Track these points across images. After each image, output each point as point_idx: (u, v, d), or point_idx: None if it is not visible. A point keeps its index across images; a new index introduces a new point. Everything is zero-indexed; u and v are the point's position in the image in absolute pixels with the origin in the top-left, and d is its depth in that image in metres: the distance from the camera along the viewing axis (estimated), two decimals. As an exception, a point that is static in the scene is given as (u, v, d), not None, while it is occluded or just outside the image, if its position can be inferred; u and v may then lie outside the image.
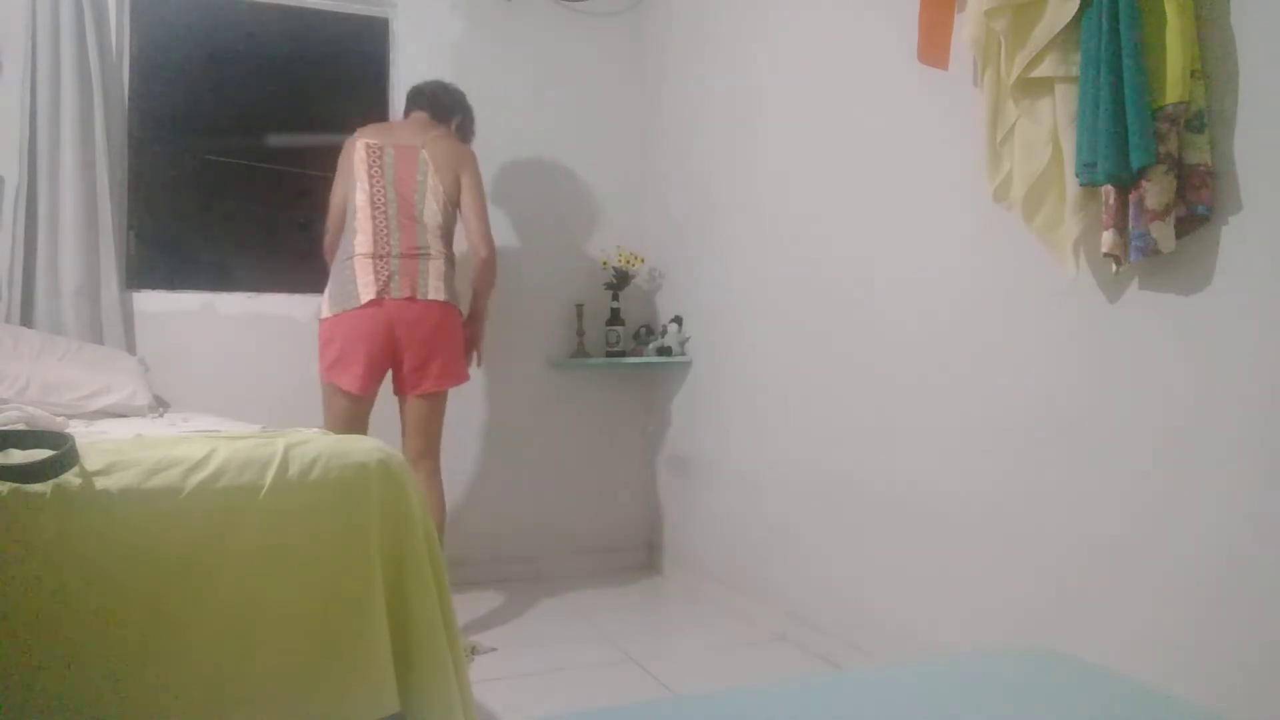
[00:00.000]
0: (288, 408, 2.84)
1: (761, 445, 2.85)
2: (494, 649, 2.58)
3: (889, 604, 2.23)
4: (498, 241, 3.49)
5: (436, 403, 2.72)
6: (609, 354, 3.46)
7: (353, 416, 2.65)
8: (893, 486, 2.22)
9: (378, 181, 2.66)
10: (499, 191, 3.51)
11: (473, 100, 3.45)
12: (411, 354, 2.62)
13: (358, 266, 2.60)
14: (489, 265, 2.75)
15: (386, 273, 2.59)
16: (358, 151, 2.70)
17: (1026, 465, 1.83)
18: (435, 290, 2.62)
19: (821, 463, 2.53)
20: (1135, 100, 1.42)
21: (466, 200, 2.72)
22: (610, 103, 3.71)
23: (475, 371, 3.43)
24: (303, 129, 3.34)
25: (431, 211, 2.68)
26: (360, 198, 2.65)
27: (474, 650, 2.49)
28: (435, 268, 2.64)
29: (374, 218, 2.63)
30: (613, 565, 3.59)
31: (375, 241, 2.62)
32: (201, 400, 2.86)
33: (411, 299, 2.59)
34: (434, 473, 2.70)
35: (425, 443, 2.70)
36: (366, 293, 2.57)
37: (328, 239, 2.82)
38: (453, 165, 2.73)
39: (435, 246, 2.66)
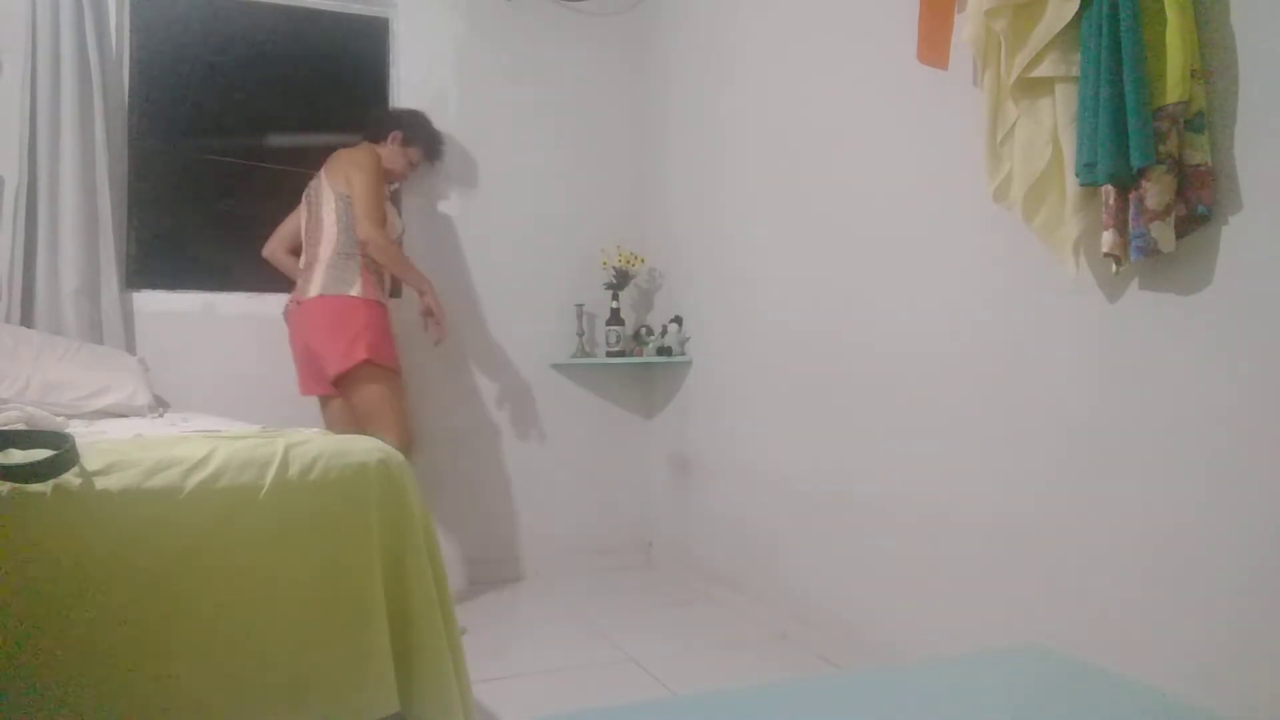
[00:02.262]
0: (288, 408, 2.85)
1: (761, 445, 2.85)
2: (464, 630, 2.62)
3: (889, 604, 2.23)
4: (498, 241, 3.52)
5: (349, 392, 2.74)
6: (609, 354, 3.46)
7: (325, 421, 2.88)
8: (892, 486, 2.22)
9: (305, 213, 2.93)
10: (499, 192, 3.51)
11: (472, 100, 3.47)
12: (313, 350, 2.76)
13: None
14: (373, 245, 2.77)
15: (298, 287, 2.85)
16: (306, 191, 2.97)
17: (1024, 466, 1.83)
18: (316, 287, 2.75)
19: (822, 463, 2.53)
20: (1135, 100, 1.42)
21: (354, 195, 2.80)
22: (611, 102, 3.71)
23: (476, 371, 3.46)
24: (303, 129, 3.34)
25: (329, 217, 2.83)
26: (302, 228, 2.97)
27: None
28: (322, 268, 2.77)
29: (305, 241, 2.90)
30: (612, 565, 3.59)
31: (305, 261, 2.87)
32: (201, 400, 2.86)
33: (299, 302, 2.80)
34: None
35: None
36: (287, 307, 2.91)
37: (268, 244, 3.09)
38: (344, 169, 2.84)
39: (328, 249, 2.79)
